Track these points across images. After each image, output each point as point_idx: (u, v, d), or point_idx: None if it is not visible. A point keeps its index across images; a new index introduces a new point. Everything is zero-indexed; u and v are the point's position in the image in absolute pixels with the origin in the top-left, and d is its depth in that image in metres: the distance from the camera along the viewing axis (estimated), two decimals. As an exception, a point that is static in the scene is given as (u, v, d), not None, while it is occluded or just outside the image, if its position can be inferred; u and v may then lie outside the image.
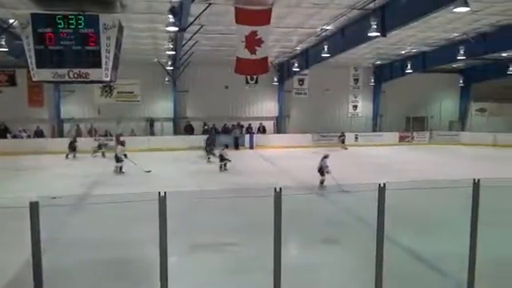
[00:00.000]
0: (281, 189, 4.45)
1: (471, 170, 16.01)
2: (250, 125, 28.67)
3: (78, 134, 26.59)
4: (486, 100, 30.13)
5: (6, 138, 25.37)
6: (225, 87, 28.08)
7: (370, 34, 14.85)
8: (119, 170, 16.83)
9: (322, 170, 13.33)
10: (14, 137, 25.58)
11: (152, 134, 27.34)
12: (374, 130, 30.15)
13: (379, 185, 4.74)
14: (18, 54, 16.25)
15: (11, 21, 15.35)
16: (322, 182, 13.28)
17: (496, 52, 21.66)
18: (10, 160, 20.77)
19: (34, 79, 12.34)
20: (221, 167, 17.86)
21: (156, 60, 25.23)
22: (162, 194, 4.39)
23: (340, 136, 27.16)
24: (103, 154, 22.16)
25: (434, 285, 6.50)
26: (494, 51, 21.05)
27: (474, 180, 4.85)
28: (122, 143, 17.50)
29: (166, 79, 27.11)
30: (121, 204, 9.15)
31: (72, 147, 22.23)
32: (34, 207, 4.00)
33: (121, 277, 6.93)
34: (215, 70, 26.45)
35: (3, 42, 16.10)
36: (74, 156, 22.00)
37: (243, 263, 7.29)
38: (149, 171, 16.68)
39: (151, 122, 27.80)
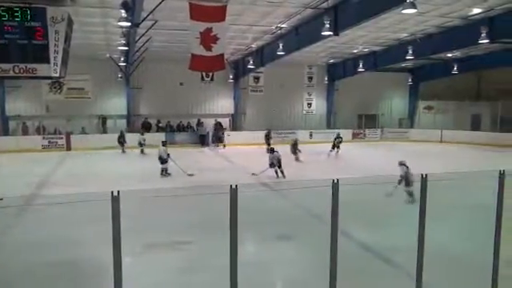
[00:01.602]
0: (237, 186, 4.45)
1: (421, 165, 16.65)
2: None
3: (25, 132, 25.48)
4: (432, 98, 31.47)
5: None
6: (180, 84, 27.76)
7: (323, 33, 15.14)
8: (165, 172, 15.61)
9: (408, 180, 10.98)
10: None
11: (104, 131, 26.56)
12: (328, 128, 30.75)
13: (333, 181, 4.84)
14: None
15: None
16: (410, 194, 10.80)
17: (441, 52, 22.71)
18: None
19: (-30, 74, 11.67)
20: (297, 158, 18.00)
21: (108, 56, 24.56)
22: (116, 193, 4.26)
23: (336, 138, 22.34)
24: (142, 151, 22.20)
25: (385, 276, 6.74)
26: (439, 51, 22.05)
27: (422, 175, 5.05)
28: (164, 143, 16.39)
29: (119, 75, 26.46)
30: (73, 204, 8.92)
31: (120, 142, 23.12)
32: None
33: (72, 279, 6.72)
34: (170, 67, 26.09)
35: None
36: (123, 151, 22.88)
37: (198, 262, 7.25)
38: (191, 174, 15.39)
39: (103, 119, 27.02)
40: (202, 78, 28.40)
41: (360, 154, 23.27)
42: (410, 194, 10.81)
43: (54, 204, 9.94)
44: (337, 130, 25.11)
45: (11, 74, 11.43)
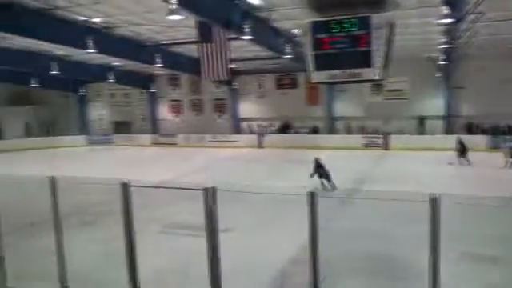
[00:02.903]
0: None
1: None
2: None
3: (348, 131, 28.12)
4: None
5: (288, 133, 29.12)
6: (504, 81, 24.50)
7: None
8: None
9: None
10: (295, 133, 29.09)
11: (422, 132, 26.34)
12: None
13: None
14: (299, 60, 18.31)
15: (294, 30, 17.46)
16: None
17: None
18: (291, 153, 23.70)
19: (311, 81, 13.60)
20: None
21: (427, 55, 24.18)
22: (436, 196, 4.17)
23: None
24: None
25: None
26: None
27: None
28: None
29: (438, 75, 25.62)
30: (389, 202, 9.24)
31: (461, 150, 19.03)
32: (312, 197, 4.46)
33: (385, 274, 7.00)
34: (494, 62, 23.46)
35: (289, 50, 18.56)
36: (468, 161, 18.53)
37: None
38: None
39: (422, 120, 26.78)
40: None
41: None
42: None
43: (372, 199, 10.53)
44: None
45: (339, 79, 12.76)
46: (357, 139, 26.27)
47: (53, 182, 5.95)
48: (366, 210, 10.47)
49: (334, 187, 13.27)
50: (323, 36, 12.58)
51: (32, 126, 34.69)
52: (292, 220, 9.81)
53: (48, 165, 20.34)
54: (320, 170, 13.51)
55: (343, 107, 28.78)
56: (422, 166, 18.12)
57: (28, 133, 34.07)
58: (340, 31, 12.40)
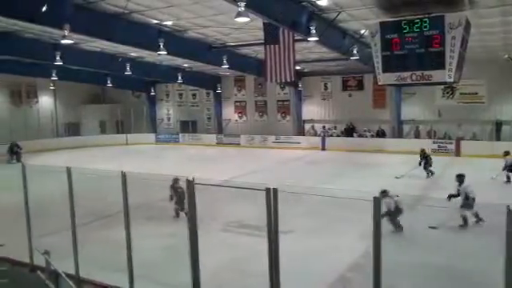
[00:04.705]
0: None
1: None
2: None
3: (417, 135, 27.02)
4: None
5: (352, 136, 28.53)
6: None
7: None
8: None
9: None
10: (360, 136, 28.43)
11: (498, 138, 24.67)
12: None
13: None
14: (367, 61, 17.88)
15: (362, 31, 17.07)
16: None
17: None
18: (354, 156, 23.24)
19: (379, 83, 13.24)
20: None
21: (507, 57, 22.64)
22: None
23: None
24: None
25: None
26: None
27: None
28: None
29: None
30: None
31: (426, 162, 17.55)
32: (376, 202, 4.36)
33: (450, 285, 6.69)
34: None
35: (355, 51, 18.20)
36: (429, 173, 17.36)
37: None
38: None
39: (498, 125, 25.06)
40: None
41: None
42: None
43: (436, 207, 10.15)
44: None
45: (408, 81, 12.33)
46: (425, 144, 25.09)
47: (124, 177, 6.25)
48: (430, 217, 10.09)
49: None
50: (393, 37, 12.26)
51: (106, 123, 36.75)
52: (350, 224, 9.66)
53: (120, 161, 21.46)
54: (176, 192, 10.86)
55: (411, 110, 27.66)
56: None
57: (102, 130, 36.13)
58: (411, 32, 11.99)
